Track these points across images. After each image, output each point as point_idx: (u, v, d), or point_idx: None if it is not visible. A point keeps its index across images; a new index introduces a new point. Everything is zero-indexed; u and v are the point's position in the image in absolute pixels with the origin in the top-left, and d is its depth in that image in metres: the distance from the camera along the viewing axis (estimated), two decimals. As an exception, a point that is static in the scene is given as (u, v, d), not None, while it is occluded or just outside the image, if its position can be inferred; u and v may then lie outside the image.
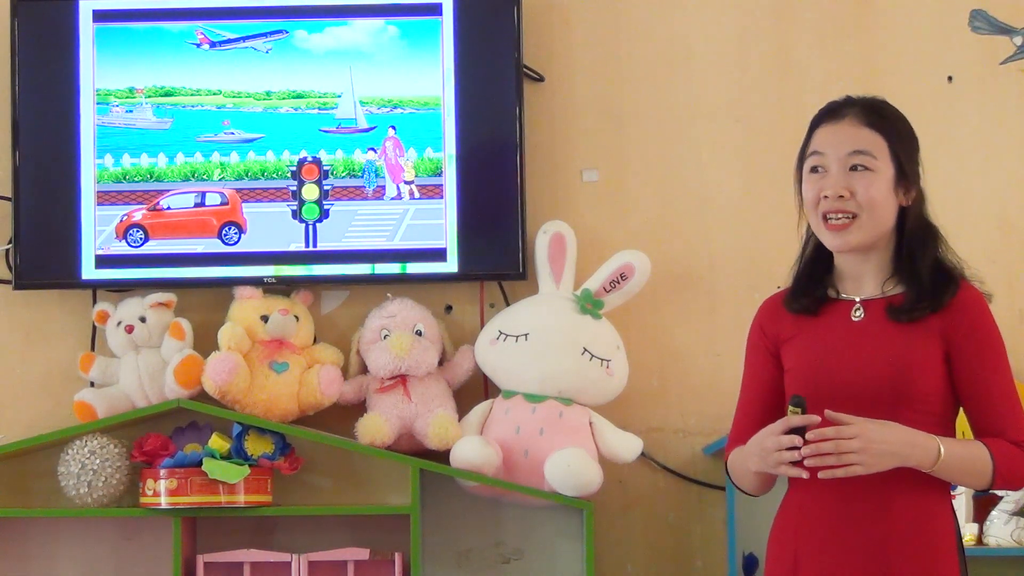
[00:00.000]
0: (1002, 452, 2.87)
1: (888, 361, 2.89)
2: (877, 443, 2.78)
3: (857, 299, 2.98)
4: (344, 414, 4.42)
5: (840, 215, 2.93)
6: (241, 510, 4.25)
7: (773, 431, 2.83)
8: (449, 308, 4.56)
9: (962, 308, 2.92)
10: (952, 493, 2.99)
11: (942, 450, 2.83)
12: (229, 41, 4.46)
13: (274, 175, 4.44)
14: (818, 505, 2.91)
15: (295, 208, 4.43)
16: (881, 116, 2.97)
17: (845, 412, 2.84)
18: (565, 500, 4.27)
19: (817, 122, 3.02)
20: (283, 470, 4.31)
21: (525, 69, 4.49)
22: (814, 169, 2.99)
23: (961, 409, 2.98)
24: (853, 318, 2.96)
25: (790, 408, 2.82)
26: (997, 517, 4.26)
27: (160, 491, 4.20)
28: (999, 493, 4.20)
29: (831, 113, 2.99)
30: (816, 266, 3.04)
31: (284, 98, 4.45)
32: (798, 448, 2.79)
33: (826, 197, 2.94)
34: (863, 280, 2.99)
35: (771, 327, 3.06)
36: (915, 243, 2.97)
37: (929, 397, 2.90)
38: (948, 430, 2.93)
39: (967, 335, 2.91)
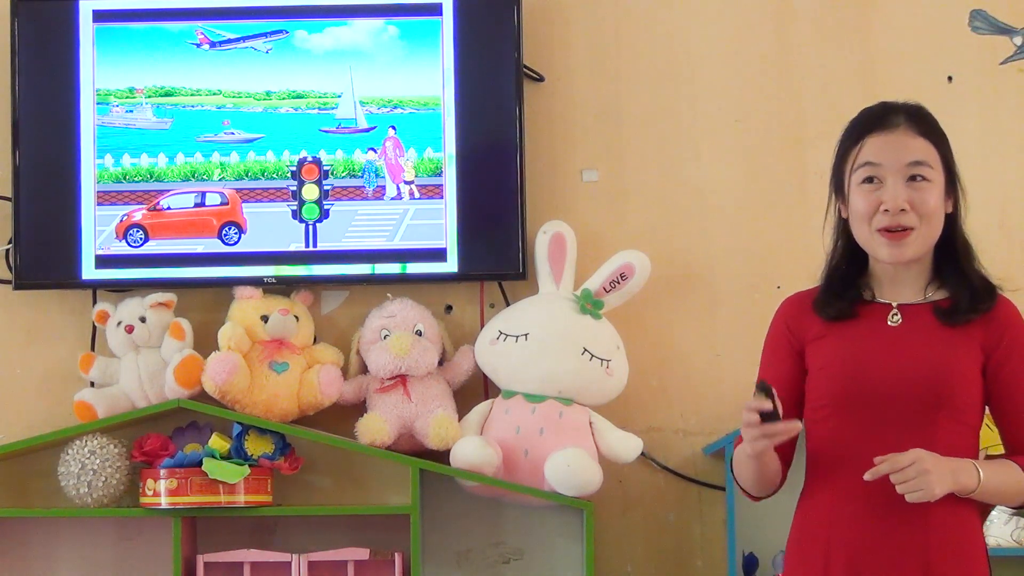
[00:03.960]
0: None
1: (931, 366, 2.86)
2: (936, 466, 2.76)
3: (894, 304, 2.94)
4: (344, 414, 4.42)
5: (899, 228, 2.88)
6: (241, 510, 4.25)
7: (745, 409, 2.80)
8: (449, 308, 4.56)
9: (1003, 320, 2.90)
10: None
11: (981, 473, 2.82)
12: (229, 41, 4.46)
13: (274, 175, 4.44)
14: (849, 511, 2.88)
15: (295, 208, 4.43)
16: (930, 124, 2.95)
17: (884, 416, 2.84)
18: (565, 500, 4.27)
19: (866, 130, 2.95)
20: (283, 470, 4.31)
21: (525, 69, 4.49)
22: (868, 179, 2.92)
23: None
24: (890, 323, 2.92)
25: (759, 395, 2.78)
26: (997, 517, 4.25)
27: (160, 491, 4.20)
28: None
29: (881, 121, 2.95)
30: (849, 270, 2.99)
31: (284, 98, 4.45)
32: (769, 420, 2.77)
33: (886, 211, 2.88)
34: (902, 285, 2.95)
35: (797, 325, 3.00)
36: (962, 249, 2.95)
37: (968, 407, 2.87)
38: (978, 443, 2.90)
39: (1008, 347, 2.88)
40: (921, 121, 2.94)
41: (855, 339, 2.92)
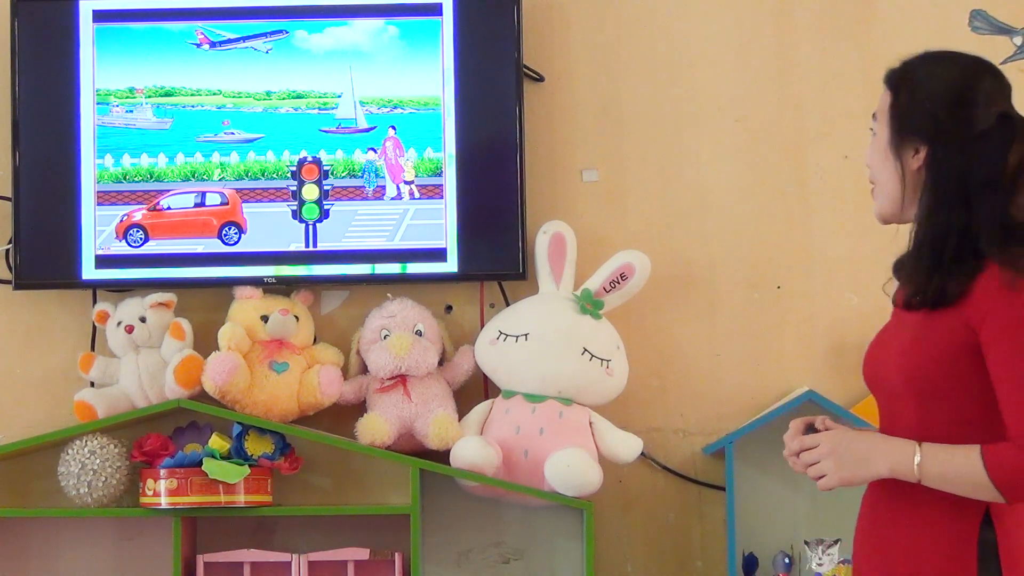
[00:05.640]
0: (999, 459, 2.51)
1: (903, 352, 2.65)
2: (844, 447, 2.63)
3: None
4: (344, 414, 4.42)
5: (872, 185, 2.74)
6: (241, 510, 4.25)
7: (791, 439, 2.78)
8: (449, 308, 4.56)
9: (984, 291, 2.57)
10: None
11: (918, 455, 2.57)
12: (229, 41, 4.46)
13: (274, 175, 4.44)
14: (863, 503, 2.79)
15: (295, 208, 4.43)
16: (897, 71, 2.71)
17: (880, 409, 2.73)
18: (565, 500, 4.27)
19: None
20: (283, 470, 4.31)
21: (525, 69, 4.49)
22: None
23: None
24: (901, 305, 2.72)
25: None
26: (997, 517, 4.25)
27: (160, 491, 4.20)
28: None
29: None
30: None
31: (284, 98, 4.45)
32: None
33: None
34: None
35: None
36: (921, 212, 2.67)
37: (951, 394, 2.61)
38: (992, 435, 2.58)
39: (992, 327, 2.55)
40: (895, 69, 2.71)
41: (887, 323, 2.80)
